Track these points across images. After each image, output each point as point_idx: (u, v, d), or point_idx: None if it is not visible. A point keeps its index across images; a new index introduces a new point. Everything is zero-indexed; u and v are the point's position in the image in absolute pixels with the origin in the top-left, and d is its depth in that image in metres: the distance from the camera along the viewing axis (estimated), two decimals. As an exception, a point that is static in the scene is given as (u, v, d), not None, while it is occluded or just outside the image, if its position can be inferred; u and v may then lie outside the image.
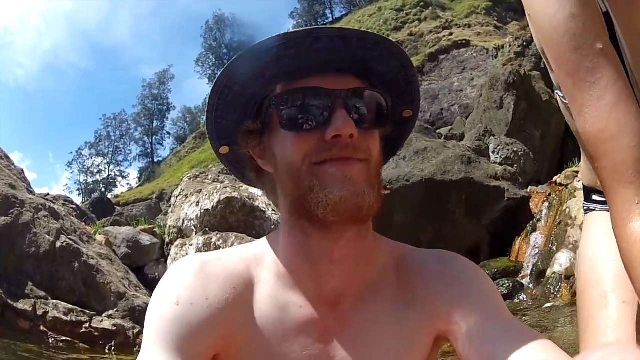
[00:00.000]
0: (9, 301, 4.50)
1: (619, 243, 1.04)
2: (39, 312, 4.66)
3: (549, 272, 6.74)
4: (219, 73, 1.13)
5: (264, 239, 1.26)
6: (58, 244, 4.94)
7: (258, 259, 1.21)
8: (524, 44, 19.32)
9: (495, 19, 58.92)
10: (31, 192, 5.58)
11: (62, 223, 5.32)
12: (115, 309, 5.23)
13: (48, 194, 11.98)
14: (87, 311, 5.03)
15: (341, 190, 1.03)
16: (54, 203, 6.28)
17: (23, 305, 4.64)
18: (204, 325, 1.07)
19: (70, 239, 5.12)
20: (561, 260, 6.60)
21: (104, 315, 5.22)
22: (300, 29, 1.08)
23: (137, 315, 5.36)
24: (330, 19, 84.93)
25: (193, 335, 1.05)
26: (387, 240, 1.27)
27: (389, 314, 1.17)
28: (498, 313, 1.14)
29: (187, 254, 5.73)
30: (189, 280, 1.11)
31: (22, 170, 5.90)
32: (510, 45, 21.26)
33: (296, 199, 1.10)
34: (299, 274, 1.16)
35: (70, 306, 4.80)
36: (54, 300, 4.72)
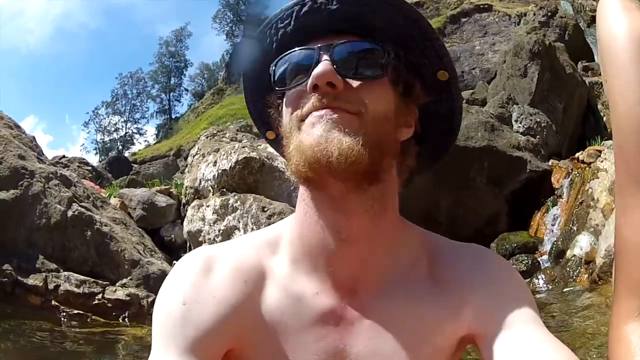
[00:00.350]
0: (19, 278, 4.49)
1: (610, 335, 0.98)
2: (50, 286, 4.64)
3: (568, 254, 6.64)
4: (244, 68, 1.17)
5: (279, 222, 1.23)
6: (70, 213, 4.91)
7: (272, 247, 1.16)
8: (549, 14, 19.04)
9: (519, -15, 58.22)
10: (42, 161, 5.51)
11: (75, 190, 5.29)
12: (130, 277, 5.21)
13: (64, 156, 12.01)
14: (100, 281, 5.00)
15: (311, 136, 0.97)
16: (68, 167, 6.26)
17: (34, 280, 4.62)
18: (213, 323, 1.03)
19: (82, 207, 5.09)
20: (582, 244, 6.48)
21: (117, 284, 5.18)
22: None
23: (152, 283, 5.34)
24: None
25: (203, 335, 1.01)
26: (419, 229, 1.21)
27: (413, 308, 1.10)
28: (529, 321, 1.07)
29: (203, 216, 5.70)
30: (196, 277, 1.07)
31: (34, 138, 5.85)
32: (534, 14, 20.90)
33: (288, 161, 1.05)
34: (313, 257, 1.10)
35: (82, 277, 4.78)
36: (66, 273, 4.70)
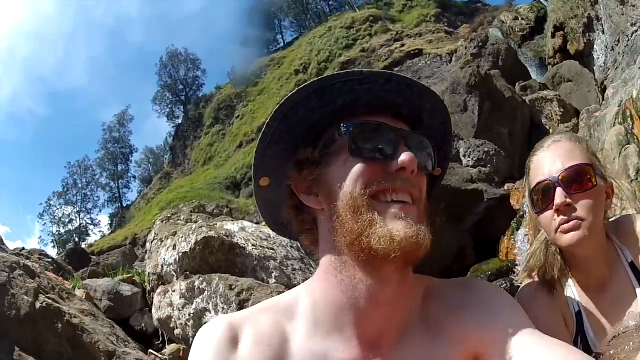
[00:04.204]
0: None
1: None
2: None
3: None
4: (283, 100, 1.20)
5: (297, 289, 1.32)
6: (38, 305, 4.67)
7: (290, 312, 1.24)
8: (480, 44, 19.68)
9: (446, 24, 60.39)
10: (3, 250, 5.32)
11: (39, 281, 5.08)
12: None
13: (23, 249, 11.71)
14: None
15: (406, 228, 1.12)
16: (29, 259, 6.01)
17: None
18: None
19: (49, 298, 4.88)
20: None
21: (98, 378, 4.99)
22: (376, 70, 1.22)
23: (132, 373, 5.13)
24: (282, 44, 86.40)
25: None
26: (417, 275, 1.33)
27: (422, 347, 1.21)
28: (525, 329, 1.21)
29: (171, 301, 5.55)
30: (222, 347, 1.14)
31: None
32: (465, 48, 21.59)
33: (356, 235, 1.14)
34: (339, 319, 1.19)
35: None
36: None
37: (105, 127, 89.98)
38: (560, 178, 1.77)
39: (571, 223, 1.75)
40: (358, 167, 1.16)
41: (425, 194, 1.26)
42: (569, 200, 1.75)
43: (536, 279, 1.94)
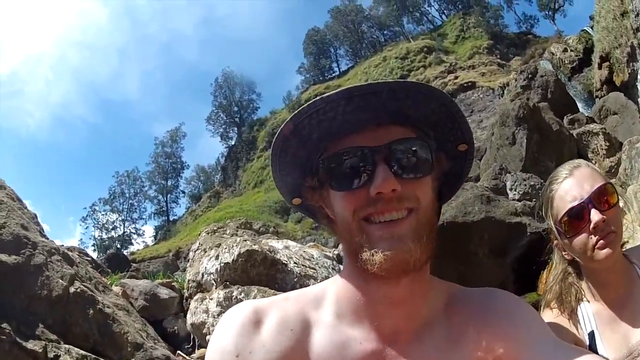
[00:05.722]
0: (17, 339, 4.30)
1: None
2: (50, 355, 4.36)
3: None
4: (275, 137, 1.23)
5: (325, 282, 1.37)
6: (72, 290, 4.74)
7: (318, 300, 1.29)
8: (529, 76, 19.48)
9: (498, 56, 59.85)
10: (44, 236, 5.46)
11: (77, 269, 5.17)
12: (133, 359, 5.05)
13: (62, 245, 11.91)
14: (102, 359, 4.80)
15: (386, 250, 1.12)
16: (71, 251, 6.12)
17: (33, 345, 4.36)
18: None
19: (84, 286, 4.97)
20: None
21: (120, 365, 5.05)
22: (334, 91, 1.16)
23: (156, 367, 5.18)
24: (337, 72, 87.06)
25: None
26: (439, 280, 1.37)
27: (442, 349, 1.22)
28: (546, 337, 1.22)
29: (207, 308, 5.64)
30: (246, 329, 1.18)
31: (36, 215, 5.79)
32: (516, 80, 21.39)
33: (352, 251, 1.19)
34: (359, 313, 1.24)
35: (84, 352, 4.55)
36: (66, 345, 4.53)
37: (158, 141, 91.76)
38: (592, 198, 1.89)
39: (607, 238, 1.86)
40: (342, 198, 1.19)
41: (430, 195, 1.23)
42: (604, 217, 1.86)
43: (554, 309, 2.04)
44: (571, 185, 1.96)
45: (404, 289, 1.20)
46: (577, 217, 1.90)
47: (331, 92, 1.16)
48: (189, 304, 6.30)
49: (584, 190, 1.92)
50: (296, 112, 1.19)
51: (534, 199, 8.34)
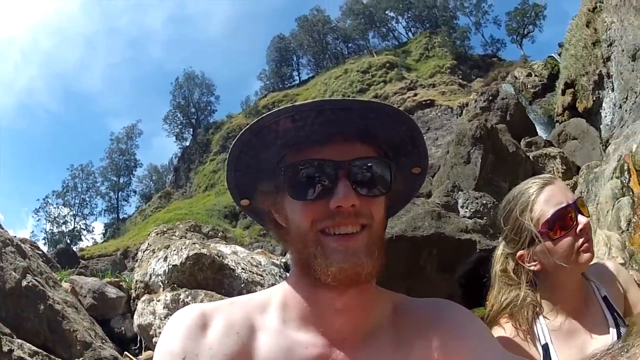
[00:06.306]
0: None
1: None
2: (5, 349, 4.31)
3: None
4: (235, 138, 1.24)
5: (271, 288, 1.38)
6: (24, 283, 4.66)
7: (264, 306, 1.30)
8: (490, 98, 19.94)
9: (460, 77, 60.77)
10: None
11: (29, 263, 5.07)
12: (82, 358, 4.93)
13: (15, 236, 11.64)
14: (53, 357, 4.68)
15: (341, 262, 1.16)
16: (24, 243, 5.99)
17: None
18: None
19: (36, 280, 4.87)
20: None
21: (69, 363, 4.95)
22: (307, 101, 1.18)
23: (104, 367, 5.09)
24: (297, 81, 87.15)
25: None
26: (385, 290, 1.39)
27: (388, 355, 1.25)
28: (495, 350, 1.25)
29: (154, 310, 5.55)
30: (193, 332, 1.19)
31: None
32: (475, 101, 21.77)
33: (303, 260, 1.22)
34: (306, 319, 1.26)
35: (35, 348, 4.47)
36: (19, 340, 4.43)
37: (113, 137, 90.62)
38: (577, 204, 1.96)
39: (588, 242, 1.94)
40: (300, 208, 1.21)
41: (383, 213, 1.28)
42: (589, 220, 1.95)
43: (505, 324, 2.04)
44: (555, 191, 2.00)
45: (351, 298, 1.22)
46: (564, 219, 1.94)
47: (304, 102, 1.18)
48: (137, 304, 6.21)
49: (568, 197, 1.98)
50: (265, 114, 1.21)
51: (485, 217, 8.45)
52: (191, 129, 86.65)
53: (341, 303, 1.23)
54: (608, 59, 13.29)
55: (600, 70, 13.75)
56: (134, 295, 6.75)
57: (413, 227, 6.83)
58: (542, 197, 2.00)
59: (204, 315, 1.23)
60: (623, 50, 12.00)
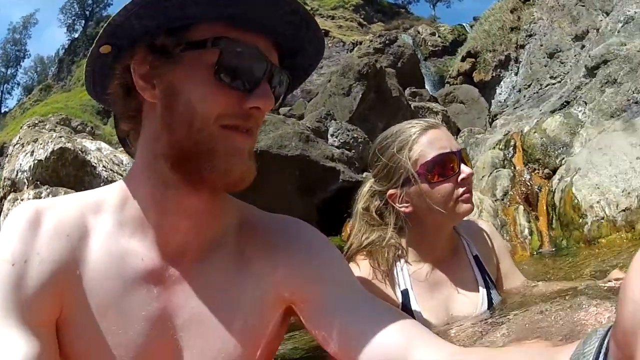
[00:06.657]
0: None
1: None
2: None
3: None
4: None
5: (108, 186, 1.22)
6: None
7: (98, 205, 1.16)
8: (387, 42, 19.63)
9: (362, 17, 60.22)
10: None
11: None
12: None
13: None
14: None
15: (241, 164, 1.07)
16: None
17: None
18: (39, 284, 1.03)
19: None
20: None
21: None
22: None
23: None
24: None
25: (31, 299, 1.01)
26: (233, 199, 1.27)
27: (228, 270, 1.18)
28: (348, 286, 1.19)
29: (18, 211, 5.52)
30: (23, 233, 1.07)
31: None
32: (371, 41, 21.74)
33: (185, 153, 1.06)
34: (145, 224, 1.13)
35: None
36: None
37: (11, 26, 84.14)
38: (461, 153, 1.91)
39: (469, 193, 1.90)
40: (216, 93, 1.04)
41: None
42: (472, 172, 1.91)
43: (362, 262, 1.93)
44: (440, 135, 1.93)
45: (204, 201, 1.13)
46: (445, 165, 1.87)
47: None
48: (3, 204, 6.12)
49: (452, 145, 1.91)
50: None
51: (353, 150, 8.57)
52: (83, 21, 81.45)
53: (193, 206, 1.12)
54: (522, 47, 14.30)
55: (510, 53, 14.68)
56: (1, 194, 6.64)
57: (279, 145, 6.87)
58: (424, 139, 1.90)
59: (37, 214, 1.09)
60: (542, 45, 12.99)
